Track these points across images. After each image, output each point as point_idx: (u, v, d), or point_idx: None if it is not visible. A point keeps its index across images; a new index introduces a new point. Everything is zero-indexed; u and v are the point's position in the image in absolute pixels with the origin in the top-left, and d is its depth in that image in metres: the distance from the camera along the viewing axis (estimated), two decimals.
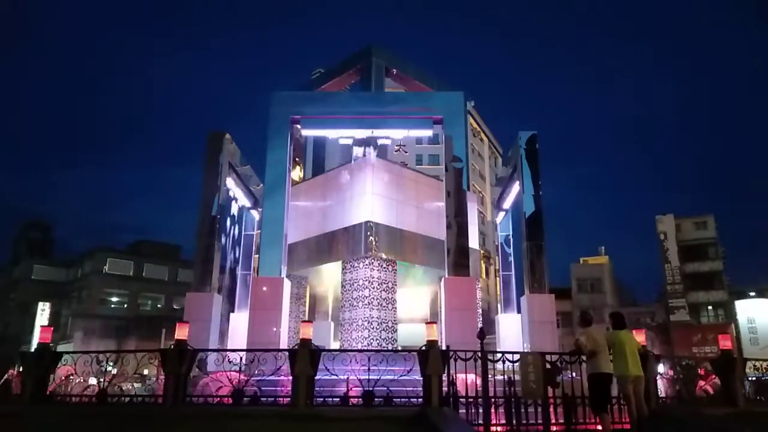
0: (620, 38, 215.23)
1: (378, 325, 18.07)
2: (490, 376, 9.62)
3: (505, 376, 9.88)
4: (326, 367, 9.72)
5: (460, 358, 9.45)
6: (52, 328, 11.36)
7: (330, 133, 20.43)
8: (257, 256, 21.45)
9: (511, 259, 22.62)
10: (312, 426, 8.27)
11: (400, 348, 17.29)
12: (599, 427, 9.04)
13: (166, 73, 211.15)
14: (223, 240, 19.94)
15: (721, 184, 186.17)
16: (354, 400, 9.43)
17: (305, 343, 9.22)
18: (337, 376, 10.02)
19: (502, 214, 23.29)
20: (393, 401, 9.24)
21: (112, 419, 9.00)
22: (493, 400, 9.60)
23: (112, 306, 54.05)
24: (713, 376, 12.27)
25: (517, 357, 9.90)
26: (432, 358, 9.01)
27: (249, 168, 22.55)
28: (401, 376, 9.82)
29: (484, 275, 47.79)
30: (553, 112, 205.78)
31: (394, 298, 18.90)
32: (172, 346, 9.59)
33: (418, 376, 9.23)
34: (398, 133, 20.55)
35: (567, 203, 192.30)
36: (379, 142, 20.90)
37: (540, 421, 9.52)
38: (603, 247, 60.49)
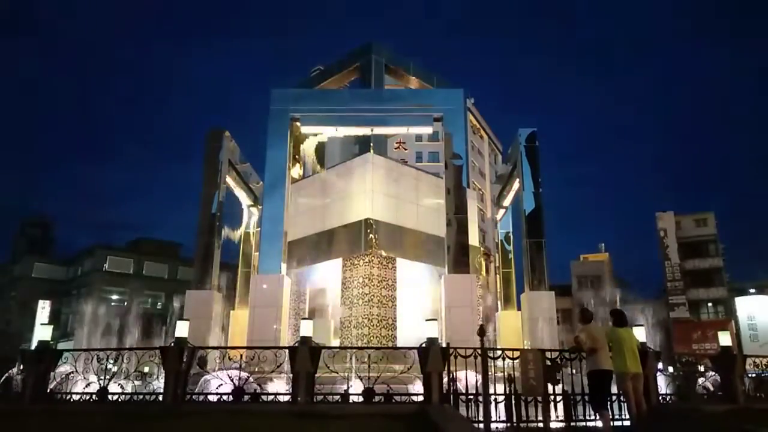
0: (621, 37, 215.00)
1: (378, 322, 18.08)
2: (490, 373, 9.63)
3: (506, 373, 9.90)
4: (326, 365, 9.72)
5: (461, 356, 9.47)
6: (52, 326, 11.36)
7: (329, 131, 20.38)
8: (257, 253, 21.41)
9: (511, 256, 22.58)
10: (312, 423, 8.26)
11: (400, 345, 17.28)
12: (599, 424, 9.05)
13: (166, 70, 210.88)
14: (222, 237, 19.92)
15: (721, 182, 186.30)
16: (354, 398, 9.44)
17: (305, 340, 9.24)
18: (337, 373, 10.02)
19: (502, 211, 23.24)
20: (393, 398, 9.25)
21: (113, 417, 9.00)
22: (493, 397, 9.62)
23: (112, 304, 54.10)
24: (713, 373, 12.29)
25: (517, 354, 9.92)
26: (432, 356, 9.01)
27: (248, 166, 22.47)
28: (401, 373, 9.82)
29: (484, 272, 47.64)
30: (553, 109, 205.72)
31: (394, 295, 18.90)
32: (173, 344, 9.60)
33: (418, 374, 9.24)
34: (398, 131, 20.43)
35: (567, 200, 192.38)
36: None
37: (540, 418, 9.54)
38: (603, 244, 60.59)
